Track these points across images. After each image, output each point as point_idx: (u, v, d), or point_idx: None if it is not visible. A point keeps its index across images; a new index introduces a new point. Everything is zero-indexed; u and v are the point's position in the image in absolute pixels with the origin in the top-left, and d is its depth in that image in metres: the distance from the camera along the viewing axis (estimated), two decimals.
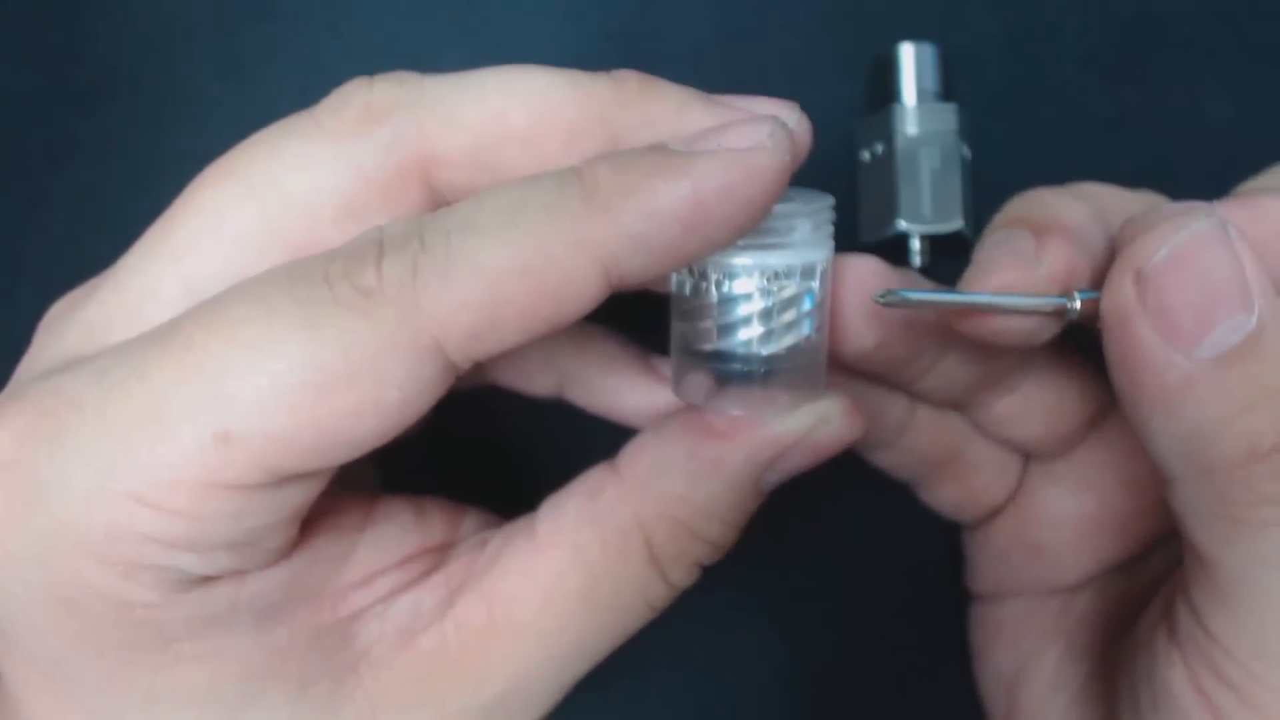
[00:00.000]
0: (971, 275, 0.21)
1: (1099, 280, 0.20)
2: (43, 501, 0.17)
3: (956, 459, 0.26)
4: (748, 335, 0.20)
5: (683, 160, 0.17)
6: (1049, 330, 0.21)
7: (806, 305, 0.20)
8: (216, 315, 0.17)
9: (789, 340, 0.20)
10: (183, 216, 0.20)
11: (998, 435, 0.25)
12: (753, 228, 0.18)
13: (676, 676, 0.30)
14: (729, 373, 0.20)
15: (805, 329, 0.20)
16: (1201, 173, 0.32)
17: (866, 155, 0.30)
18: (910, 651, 0.30)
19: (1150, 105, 0.32)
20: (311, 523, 0.20)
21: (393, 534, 0.21)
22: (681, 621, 0.30)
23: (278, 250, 0.19)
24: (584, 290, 0.18)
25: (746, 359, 0.20)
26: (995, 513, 0.27)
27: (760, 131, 0.18)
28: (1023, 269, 0.20)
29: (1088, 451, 0.25)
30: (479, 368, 0.26)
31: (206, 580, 0.18)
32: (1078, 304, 0.20)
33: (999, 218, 0.22)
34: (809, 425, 0.20)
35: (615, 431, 0.25)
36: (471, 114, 0.19)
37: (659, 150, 0.18)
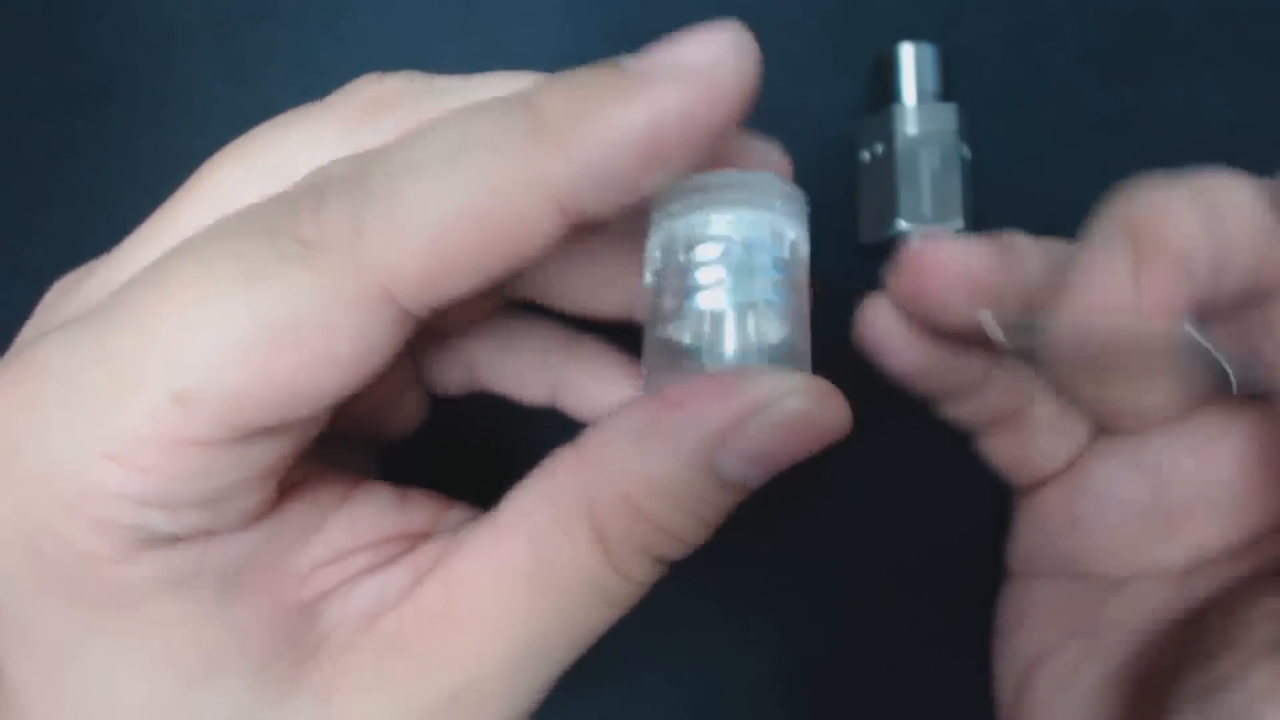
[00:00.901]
0: (1063, 287, 0.20)
1: (1203, 311, 0.19)
2: (16, 459, 0.17)
3: (1023, 413, 0.25)
4: (708, 302, 0.19)
5: (638, 82, 0.16)
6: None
7: (773, 274, 0.19)
8: (163, 277, 0.17)
9: (758, 318, 0.19)
10: (190, 195, 0.20)
11: (1071, 394, 0.24)
12: (719, 174, 0.18)
13: (673, 676, 0.30)
14: (694, 353, 0.19)
15: (776, 301, 0.19)
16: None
17: (866, 155, 0.30)
18: (909, 651, 0.30)
19: (1150, 105, 0.32)
20: (287, 492, 0.20)
21: (369, 514, 0.21)
22: (677, 621, 0.30)
23: None
24: (539, 229, 0.17)
25: (711, 339, 0.19)
26: (1048, 479, 0.26)
27: (720, 42, 0.17)
28: (1114, 293, 0.19)
29: (1160, 439, 0.24)
30: (470, 373, 0.26)
31: (173, 539, 0.18)
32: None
33: (1107, 212, 0.21)
34: (766, 395, 0.18)
35: None
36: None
37: (612, 72, 0.17)
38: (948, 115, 0.29)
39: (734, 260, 0.19)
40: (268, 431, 0.18)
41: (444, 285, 0.17)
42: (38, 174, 0.33)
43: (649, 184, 0.17)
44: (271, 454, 0.18)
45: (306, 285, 0.16)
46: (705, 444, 0.18)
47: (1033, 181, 0.32)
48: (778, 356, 0.19)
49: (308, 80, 0.34)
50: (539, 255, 0.17)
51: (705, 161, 0.18)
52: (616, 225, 0.19)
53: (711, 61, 0.17)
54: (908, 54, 0.30)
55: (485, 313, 0.25)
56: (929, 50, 0.30)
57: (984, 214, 0.30)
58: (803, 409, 0.18)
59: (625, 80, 0.16)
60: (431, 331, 0.25)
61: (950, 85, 0.30)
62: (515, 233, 0.17)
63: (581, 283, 0.24)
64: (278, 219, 0.17)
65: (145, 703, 0.19)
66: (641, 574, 0.20)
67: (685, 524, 0.19)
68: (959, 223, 0.29)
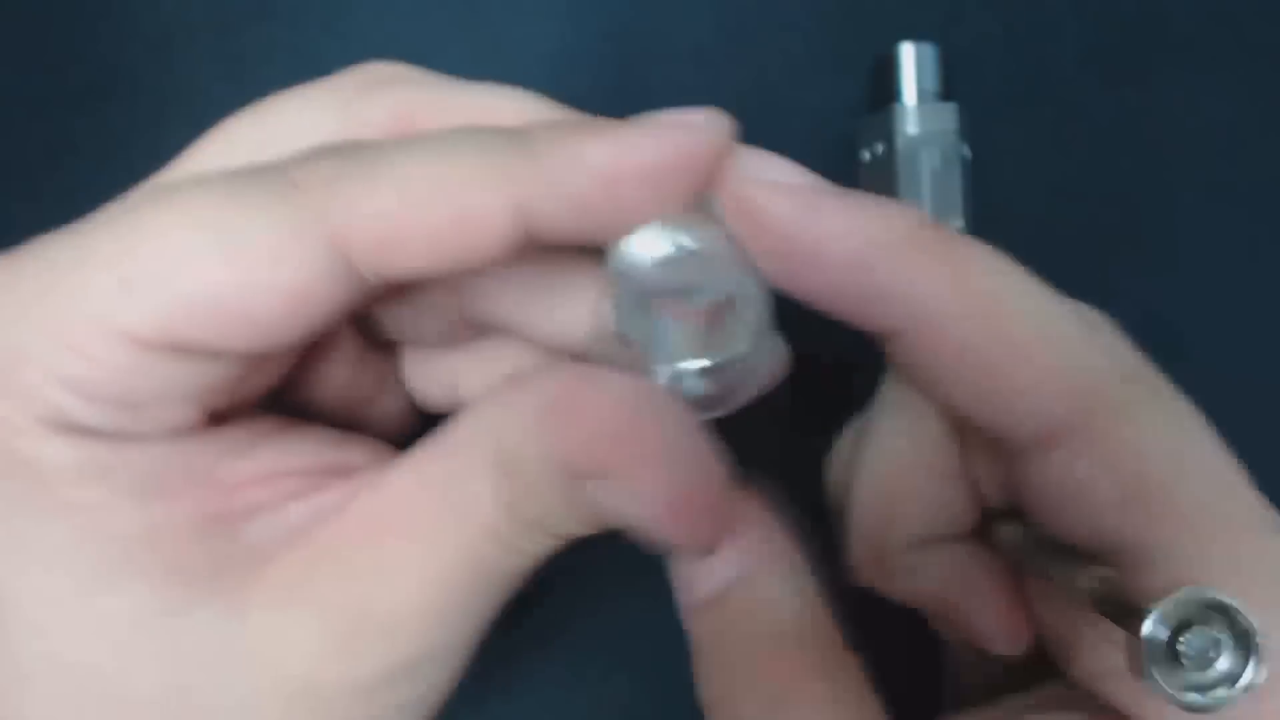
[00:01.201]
0: None
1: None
2: None
3: None
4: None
5: (616, 128, 0.18)
6: None
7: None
8: (165, 188, 0.19)
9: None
10: (206, 140, 0.22)
11: None
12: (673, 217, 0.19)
13: (675, 674, 0.30)
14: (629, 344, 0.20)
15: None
16: (1201, 173, 0.32)
17: (866, 155, 0.30)
18: (907, 650, 0.30)
19: (1150, 105, 0.32)
20: (220, 415, 0.21)
21: (305, 445, 0.22)
22: (678, 619, 0.30)
23: None
24: (491, 224, 0.18)
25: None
26: None
27: (696, 119, 0.18)
28: None
29: None
30: (454, 393, 0.26)
31: (87, 431, 0.19)
32: None
33: None
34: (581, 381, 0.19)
35: None
36: (461, 100, 0.21)
37: (601, 121, 0.19)
38: (948, 115, 0.29)
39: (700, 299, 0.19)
40: (201, 352, 0.19)
41: (394, 255, 0.18)
42: (38, 174, 0.33)
43: (603, 219, 0.18)
44: (200, 378, 0.19)
45: (276, 211, 0.18)
46: (574, 463, 0.18)
47: (1033, 181, 0.32)
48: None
49: (308, 80, 0.34)
50: (489, 255, 0.19)
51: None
52: (579, 259, 0.21)
53: (684, 128, 0.18)
54: (908, 54, 0.30)
55: (462, 332, 0.25)
56: (929, 50, 0.30)
57: (984, 214, 0.30)
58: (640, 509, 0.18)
59: (607, 126, 0.18)
60: (410, 342, 0.25)
61: (950, 85, 0.30)
62: (469, 221, 0.18)
63: (546, 313, 0.24)
64: (278, 164, 0.19)
65: (45, 592, 0.19)
66: (534, 543, 0.20)
67: (557, 511, 0.19)
68: (959, 222, 0.29)
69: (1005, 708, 0.22)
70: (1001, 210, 0.30)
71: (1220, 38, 0.32)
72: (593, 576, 0.30)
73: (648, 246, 0.19)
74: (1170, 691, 0.15)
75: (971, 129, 0.30)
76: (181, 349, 0.19)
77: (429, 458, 0.20)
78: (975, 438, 0.23)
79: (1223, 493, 0.19)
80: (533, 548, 0.20)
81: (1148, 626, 0.15)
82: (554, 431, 0.18)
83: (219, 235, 0.18)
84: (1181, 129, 0.32)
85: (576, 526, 0.19)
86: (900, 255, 0.18)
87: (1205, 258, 0.32)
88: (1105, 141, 0.32)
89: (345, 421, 0.25)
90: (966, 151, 0.30)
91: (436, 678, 0.21)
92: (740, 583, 0.20)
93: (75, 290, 0.18)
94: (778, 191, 0.18)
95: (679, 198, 0.19)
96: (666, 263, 0.19)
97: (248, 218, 0.18)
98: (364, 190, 0.18)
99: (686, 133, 0.18)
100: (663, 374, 0.19)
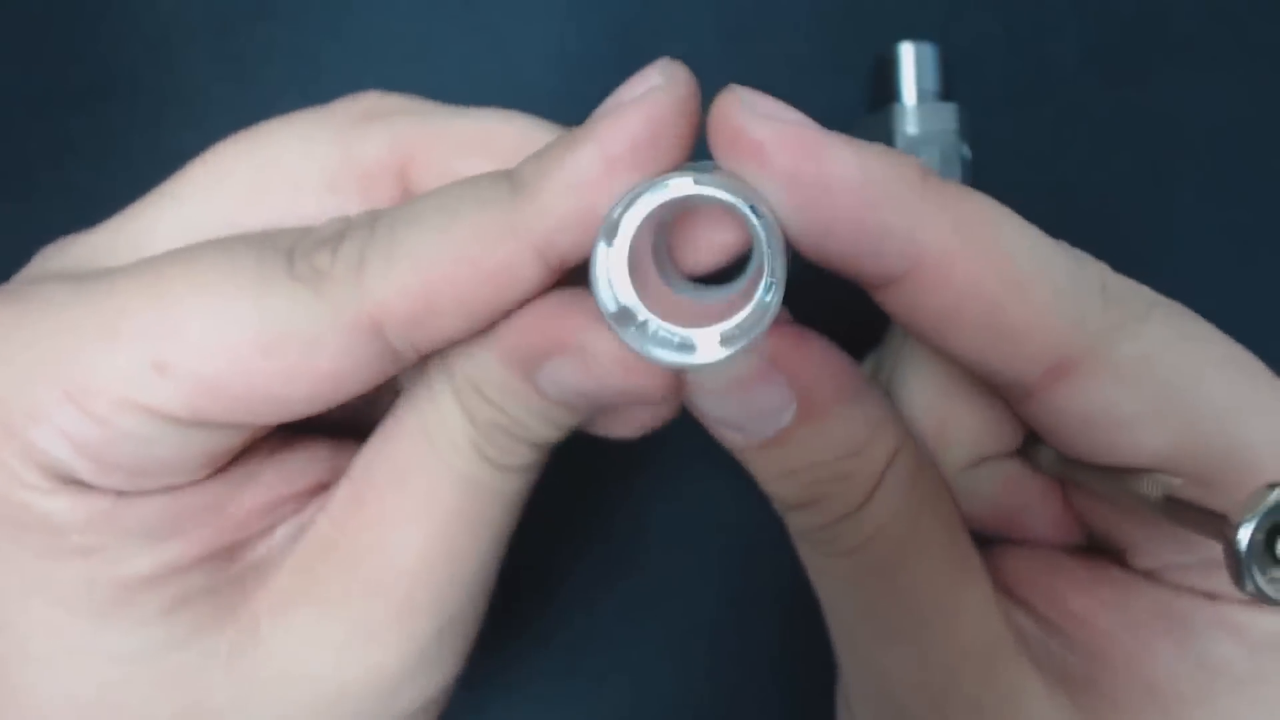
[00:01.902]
0: None
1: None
2: None
3: None
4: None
5: (586, 129, 0.18)
6: None
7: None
8: (191, 257, 0.19)
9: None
10: (192, 169, 0.22)
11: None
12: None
13: (674, 675, 0.30)
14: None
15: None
16: (1201, 172, 0.32)
17: None
18: None
19: (1150, 105, 0.32)
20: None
21: (306, 463, 0.22)
22: (679, 619, 0.30)
23: (261, 209, 0.21)
24: (521, 275, 0.18)
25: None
26: None
27: (651, 76, 0.18)
28: None
29: None
30: None
31: (97, 489, 0.19)
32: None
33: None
34: (578, 339, 0.19)
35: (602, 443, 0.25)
36: (461, 131, 0.21)
37: (566, 134, 0.19)
38: (948, 115, 0.29)
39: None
40: (223, 426, 0.19)
41: (430, 325, 0.18)
42: (38, 174, 0.33)
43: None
44: (217, 445, 0.19)
45: (309, 303, 0.18)
46: (518, 357, 0.19)
47: (1033, 181, 0.32)
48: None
49: (307, 80, 0.34)
50: (520, 302, 0.19)
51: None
52: None
53: (644, 92, 0.18)
54: (908, 54, 0.30)
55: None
56: (929, 50, 0.30)
57: None
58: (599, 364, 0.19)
59: (575, 134, 0.18)
60: None
61: (950, 85, 0.30)
62: (499, 279, 0.18)
63: None
64: (302, 245, 0.19)
65: (57, 633, 0.19)
66: (512, 454, 0.20)
67: (522, 417, 0.20)
68: None
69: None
70: None
71: (1220, 38, 0.32)
72: (592, 577, 0.30)
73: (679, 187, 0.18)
74: (1272, 595, 0.16)
75: (971, 129, 0.30)
76: (204, 423, 0.19)
77: (393, 419, 0.21)
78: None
79: (1247, 383, 0.19)
80: (516, 462, 0.21)
81: (1243, 533, 0.16)
82: (495, 333, 0.19)
83: (258, 326, 0.18)
84: (1181, 129, 0.32)
85: (544, 426, 0.20)
86: (904, 196, 0.18)
87: (1205, 257, 0.32)
88: (1105, 141, 0.32)
89: (344, 420, 0.25)
90: (966, 151, 0.30)
91: (451, 660, 0.21)
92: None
93: (102, 363, 0.18)
94: (783, 130, 0.18)
95: (669, 154, 0.18)
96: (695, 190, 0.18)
97: (286, 309, 0.18)
98: (387, 273, 0.18)
99: (648, 102, 0.18)
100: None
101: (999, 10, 0.33)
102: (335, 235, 0.19)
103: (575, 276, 0.19)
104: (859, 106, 0.31)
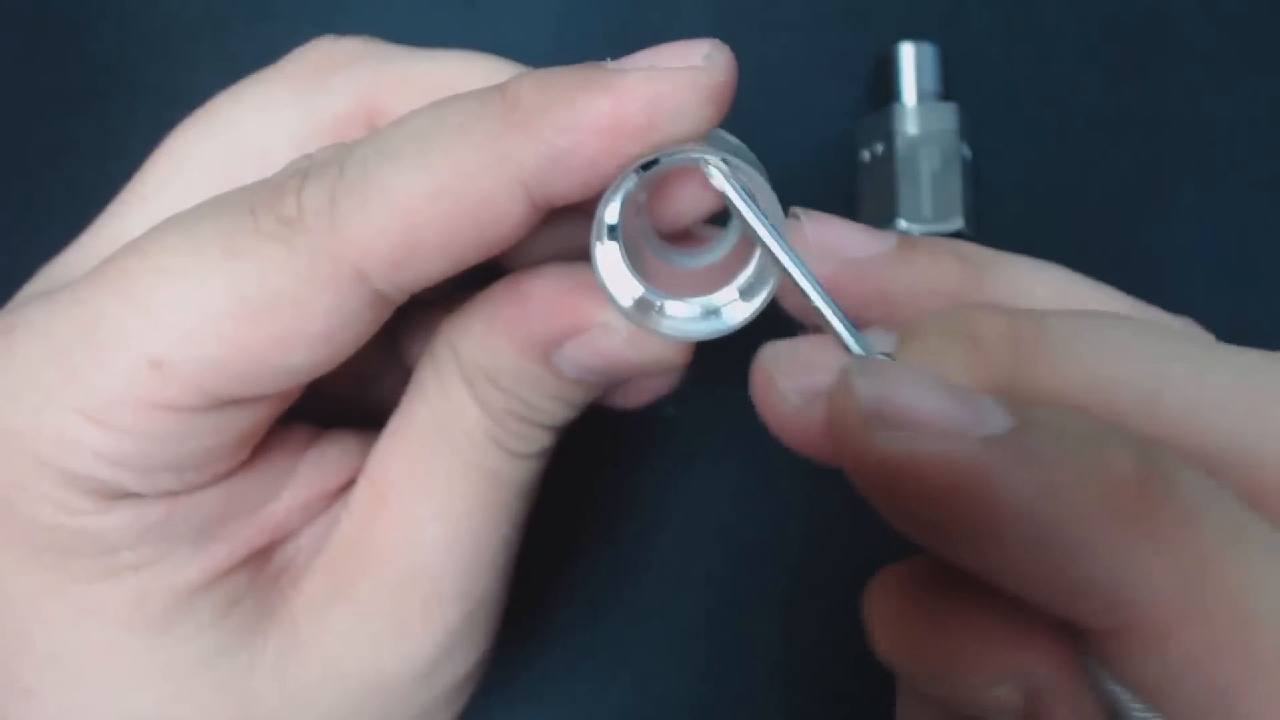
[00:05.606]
0: None
1: None
2: None
3: None
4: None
5: (609, 76, 0.17)
6: None
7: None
8: (149, 245, 0.18)
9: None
10: (153, 164, 0.21)
11: None
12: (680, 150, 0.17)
13: (676, 674, 0.30)
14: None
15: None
16: (1201, 173, 0.32)
17: (866, 155, 0.30)
18: None
19: (1150, 105, 0.32)
20: (258, 448, 0.20)
21: (339, 457, 0.22)
22: (680, 619, 0.30)
23: (231, 186, 0.20)
24: (506, 212, 0.17)
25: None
26: None
27: (695, 49, 0.17)
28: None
29: None
30: None
31: (142, 496, 0.19)
32: None
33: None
34: (592, 319, 0.19)
35: (609, 420, 0.25)
36: (424, 75, 0.21)
37: (588, 67, 0.17)
38: (948, 115, 0.29)
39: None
40: (242, 401, 0.18)
41: (415, 266, 0.17)
42: (38, 174, 0.33)
43: (613, 172, 0.17)
44: (245, 421, 0.19)
45: (282, 261, 0.17)
46: (536, 342, 0.19)
47: (1033, 181, 0.32)
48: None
49: None
50: (508, 239, 0.18)
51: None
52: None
53: (682, 65, 0.17)
54: (908, 54, 0.30)
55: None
56: (929, 50, 0.30)
57: (984, 214, 0.30)
58: (619, 346, 0.19)
59: (598, 74, 0.17)
60: (414, 319, 0.25)
61: (950, 85, 0.30)
62: (483, 215, 0.17)
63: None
64: (262, 198, 0.18)
65: (110, 648, 0.19)
66: (527, 440, 0.20)
67: (538, 401, 0.20)
68: (959, 222, 0.29)
69: None
70: (1001, 210, 0.30)
71: (1220, 38, 0.32)
72: (593, 577, 0.30)
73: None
74: None
75: (971, 129, 0.30)
76: (223, 405, 0.18)
77: (404, 413, 0.21)
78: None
79: None
80: (531, 448, 0.20)
81: None
82: (509, 321, 0.19)
83: (236, 298, 0.17)
84: (1181, 129, 0.32)
85: (559, 406, 0.20)
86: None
87: (1205, 257, 0.32)
88: (1105, 141, 0.32)
89: (352, 399, 0.25)
90: (966, 151, 0.30)
91: (482, 639, 0.21)
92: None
93: (100, 375, 0.17)
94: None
95: (685, 131, 0.17)
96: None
97: (259, 271, 0.17)
98: (363, 215, 0.17)
99: (682, 69, 0.17)
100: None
101: (999, 10, 0.33)
102: (296, 178, 0.18)
103: (554, 216, 0.18)
104: (859, 106, 0.31)
